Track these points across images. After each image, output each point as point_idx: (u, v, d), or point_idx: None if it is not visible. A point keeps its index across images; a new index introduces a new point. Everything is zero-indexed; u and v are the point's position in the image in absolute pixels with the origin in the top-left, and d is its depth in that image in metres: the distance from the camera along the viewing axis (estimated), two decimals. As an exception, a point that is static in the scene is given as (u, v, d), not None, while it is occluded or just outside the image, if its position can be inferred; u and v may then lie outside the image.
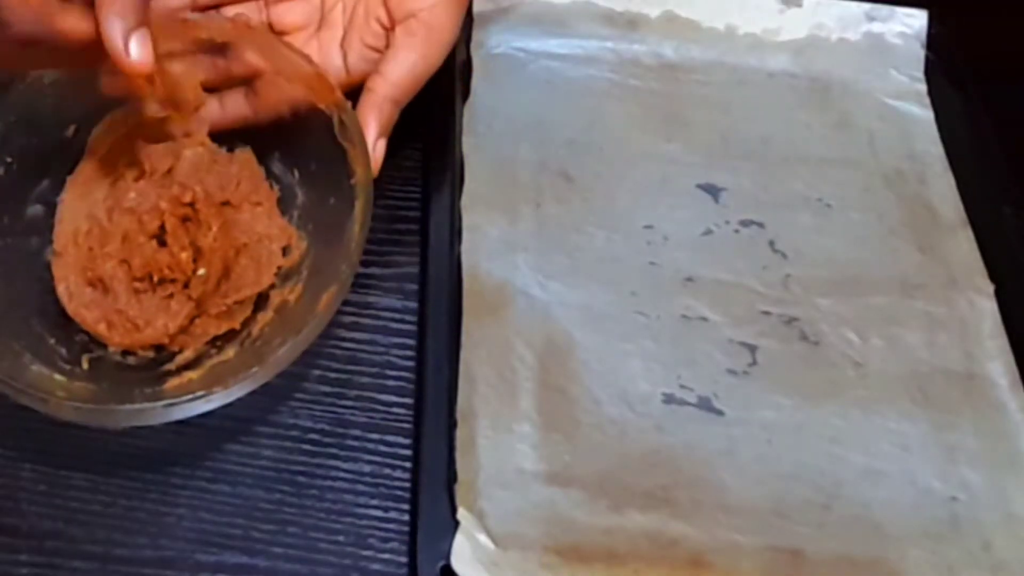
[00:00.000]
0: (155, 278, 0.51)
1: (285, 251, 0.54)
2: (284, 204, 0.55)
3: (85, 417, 0.45)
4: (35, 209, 0.52)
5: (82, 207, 0.53)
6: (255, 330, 0.51)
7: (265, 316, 0.52)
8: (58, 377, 0.47)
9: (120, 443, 0.50)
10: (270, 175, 0.55)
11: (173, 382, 0.48)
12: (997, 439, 0.53)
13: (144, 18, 0.43)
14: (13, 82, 0.50)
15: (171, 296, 0.51)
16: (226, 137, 0.55)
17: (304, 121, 0.52)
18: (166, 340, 0.51)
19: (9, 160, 0.51)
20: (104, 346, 0.51)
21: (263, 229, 0.54)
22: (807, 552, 0.49)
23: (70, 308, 0.51)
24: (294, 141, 0.54)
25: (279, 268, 0.53)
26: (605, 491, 0.50)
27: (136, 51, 0.43)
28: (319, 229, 0.53)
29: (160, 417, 0.45)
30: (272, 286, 0.53)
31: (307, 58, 0.52)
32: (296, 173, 0.54)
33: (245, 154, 0.55)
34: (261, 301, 0.53)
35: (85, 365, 0.49)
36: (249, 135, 0.55)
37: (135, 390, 0.48)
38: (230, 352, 0.50)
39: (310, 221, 0.54)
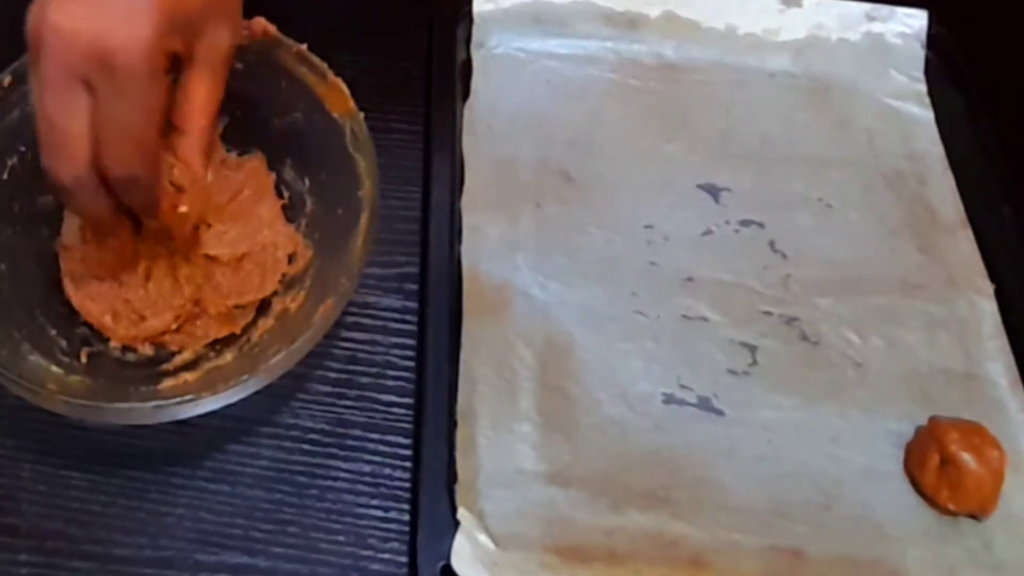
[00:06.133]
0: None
1: (291, 259, 0.54)
2: (293, 212, 0.55)
3: (76, 412, 0.45)
4: (46, 200, 0.52)
5: None
6: (255, 336, 0.51)
7: (266, 323, 0.52)
8: (55, 369, 0.47)
9: (120, 443, 0.50)
10: (281, 181, 0.55)
11: (169, 383, 0.48)
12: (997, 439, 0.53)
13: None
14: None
15: (174, 280, 0.51)
16: (239, 141, 0.55)
17: (317, 129, 0.52)
18: (170, 329, 0.51)
19: (23, 149, 0.50)
20: (105, 341, 0.51)
21: (269, 235, 0.54)
22: (807, 552, 0.49)
23: (75, 300, 0.51)
24: (307, 149, 0.54)
25: (284, 275, 0.53)
26: (605, 491, 0.50)
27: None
28: (326, 239, 0.53)
29: (151, 417, 0.45)
30: (275, 292, 0.53)
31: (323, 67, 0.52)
32: (307, 181, 0.54)
33: (255, 161, 0.55)
34: (264, 307, 0.53)
35: (84, 359, 0.49)
36: (262, 140, 0.55)
37: (130, 388, 0.48)
38: (228, 356, 0.50)
39: (317, 230, 0.53)
